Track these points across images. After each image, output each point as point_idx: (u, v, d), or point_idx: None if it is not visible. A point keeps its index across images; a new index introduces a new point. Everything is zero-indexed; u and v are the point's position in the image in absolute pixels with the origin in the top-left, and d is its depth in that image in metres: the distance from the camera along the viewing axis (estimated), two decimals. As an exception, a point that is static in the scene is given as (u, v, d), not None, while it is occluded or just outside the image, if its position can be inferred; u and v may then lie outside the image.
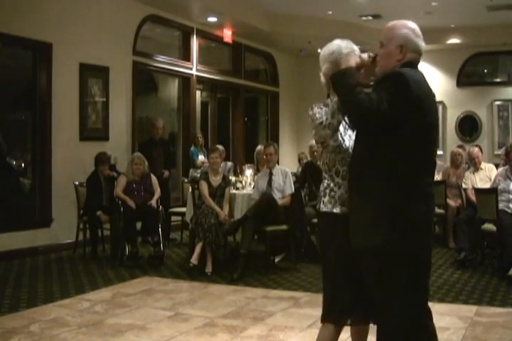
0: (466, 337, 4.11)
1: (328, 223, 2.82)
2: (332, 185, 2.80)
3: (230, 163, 8.24)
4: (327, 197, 2.80)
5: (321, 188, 2.86)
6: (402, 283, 2.51)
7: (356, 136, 2.68)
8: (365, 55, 2.68)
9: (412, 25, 2.64)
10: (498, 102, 12.41)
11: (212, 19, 9.95)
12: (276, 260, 6.74)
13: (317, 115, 2.78)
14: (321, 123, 2.72)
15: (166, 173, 8.43)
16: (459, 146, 9.87)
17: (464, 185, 7.38)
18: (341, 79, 2.52)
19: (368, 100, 2.38)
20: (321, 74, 2.88)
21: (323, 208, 2.81)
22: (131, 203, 6.70)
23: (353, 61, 2.64)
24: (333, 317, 2.78)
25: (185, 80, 10.29)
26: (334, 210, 2.77)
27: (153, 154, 8.18)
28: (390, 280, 2.51)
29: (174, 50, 10.31)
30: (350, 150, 2.72)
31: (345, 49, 2.80)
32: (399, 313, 2.53)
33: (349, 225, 2.62)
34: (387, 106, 2.37)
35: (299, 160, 10.20)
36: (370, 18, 11.17)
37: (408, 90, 2.43)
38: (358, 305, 2.76)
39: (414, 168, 2.50)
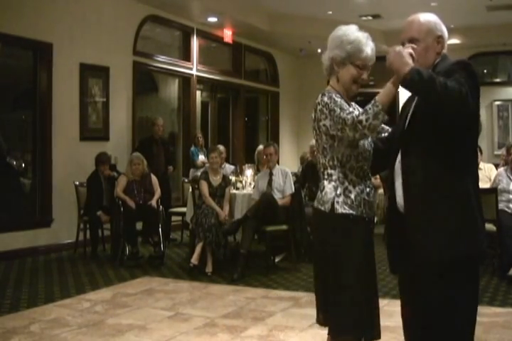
0: (466, 336, 4.11)
1: (346, 227, 2.53)
2: (346, 183, 2.55)
3: (232, 167, 8.25)
4: (342, 197, 2.52)
5: (329, 186, 2.56)
6: (469, 294, 2.34)
7: (415, 136, 2.39)
8: (410, 50, 2.38)
9: (435, 16, 2.63)
10: (497, 102, 12.40)
11: (212, 19, 9.95)
12: (277, 260, 6.74)
13: (342, 103, 2.51)
14: (351, 113, 2.44)
15: (170, 168, 8.46)
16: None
17: (464, 185, 7.37)
18: (421, 77, 2.22)
19: (459, 91, 2.17)
20: (327, 58, 2.66)
21: (340, 209, 2.51)
22: (131, 203, 6.70)
23: (408, 59, 2.34)
24: (358, 331, 2.57)
25: (185, 80, 10.29)
26: (355, 212, 2.53)
27: (154, 152, 8.19)
28: (460, 291, 2.30)
29: (174, 50, 10.32)
30: (366, 146, 2.60)
31: (365, 45, 2.63)
32: (462, 326, 2.33)
33: (401, 232, 2.40)
34: (472, 100, 2.21)
35: (302, 159, 10.15)
36: (370, 18, 11.17)
37: (478, 81, 2.32)
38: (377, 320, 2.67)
39: (476, 168, 2.52)
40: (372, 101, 2.41)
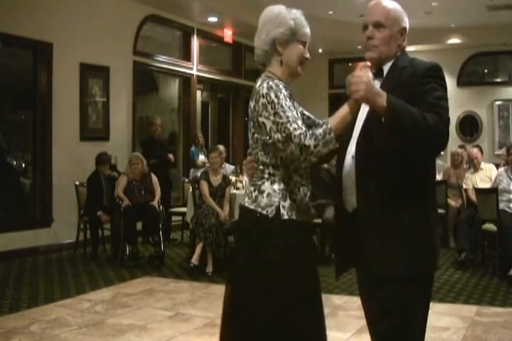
0: (466, 337, 4.11)
1: (290, 235, 2.25)
2: (292, 185, 2.29)
3: (232, 167, 8.24)
4: (288, 201, 2.26)
5: (272, 187, 2.28)
6: (426, 304, 2.27)
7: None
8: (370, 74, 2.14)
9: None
10: (498, 102, 12.40)
11: (212, 19, 9.95)
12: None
13: (289, 107, 2.22)
14: (299, 128, 2.17)
15: (171, 156, 8.38)
16: (460, 146, 9.86)
17: (464, 186, 7.38)
18: (401, 115, 2.03)
19: (442, 127, 2.06)
20: (265, 42, 2.35)
21: (286, 215, 2.24)
22: (127, 203, 6.69)
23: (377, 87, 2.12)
24: None
25: (185, 80, 10.29)
26: (301, 219, 2.28)
27: (156, 152, 8.18)
28: (417, 304, 2.21)
29: (174, 50, 10.31)
30: None
31: (304, 20, 2.37)
32: (419, 330, 2.24)
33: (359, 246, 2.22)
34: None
35: None
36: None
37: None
38: None
39: (434, 179, 2.38)
40: (325, 127, 2.14)
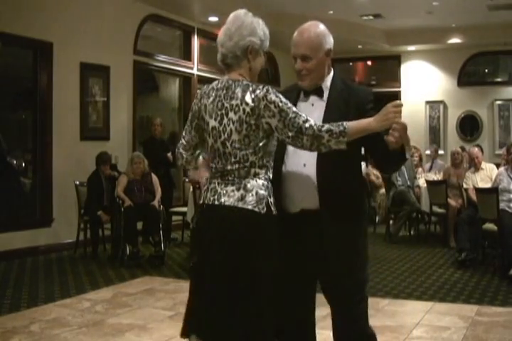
0: (466, 336, 4.11)
1: (274, 230, 2.36)
2: (270, 183, 2.40)
3: None
4: (272, 198, 2.35)
5: (258, 185, 2.34)
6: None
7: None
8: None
9: (323, 26, 2.54)
10: (498, 102, 12.40)
11: (213, 19, 9.94)
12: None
13: (291, 105, 2.36)
14: (307, 120, 2.31)
15: (169, 155, 8.36)
16: (461, 146, 9.87)
17: (464, 185, 7.37)
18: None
19: None
20: (237, 47, 2.42)
21: (274, 210, 2.35)
22: (128, 203, 6.69)
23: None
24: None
25: (186, 80, 10.29)
26: (275, 212, 2.38)
27: (156, 152, 8.17)
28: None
29: (175, 50, 10.31)
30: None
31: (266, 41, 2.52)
32: None
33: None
34: None
35: None
36: (371, 17, 11.17)
37: None
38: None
39: None
40: (342, 128, 2.27)
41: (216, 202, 2.36)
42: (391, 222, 8.63)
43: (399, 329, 4.20)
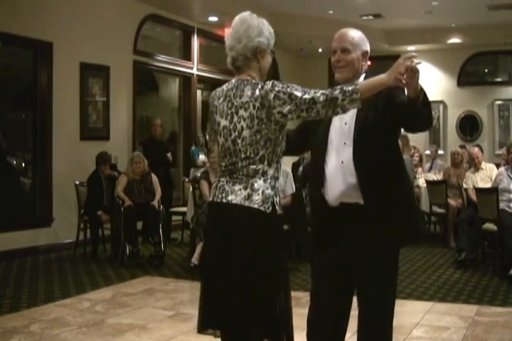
0: (466, 336, 4.11)
1: (281, 229, 2.53)
2: (276, 181, 2.46)
3: None
4: (278, 197, 2.44)
5: (265, 184, 2.40)
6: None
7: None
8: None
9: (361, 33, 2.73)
10: (498, 102, 12.40)
11: (213, 18, 9.94)
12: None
13: (297, 86, 2.43)
14: (317, 91, 2.38)
15: (169, 156, 8.39)
16: (461, 147, 9.87)
17: (464, 185, 7.38)
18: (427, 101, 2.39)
19: None
20: (247, 48, 2.47)
21: (279, 210, 2.43)
22: (128, 203, 6.69)
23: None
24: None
25: (185, 79, 10.29)
26: (281, 213, 2.47)
27: (156, 152, 8.18)
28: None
29: (175, 50, 10.31)
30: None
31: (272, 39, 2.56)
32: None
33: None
34: None
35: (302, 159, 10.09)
36: (371, 17, 11.17)
37: None
38: None
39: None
40: (353, 86, 2.31)
41: (224, 200, 2.43)
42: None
43: (398, 330, 4.20)
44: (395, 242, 2.62)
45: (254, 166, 2.39)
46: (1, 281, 5.77)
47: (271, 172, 2.41)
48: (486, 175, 7.27)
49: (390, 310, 2.63)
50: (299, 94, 2.34)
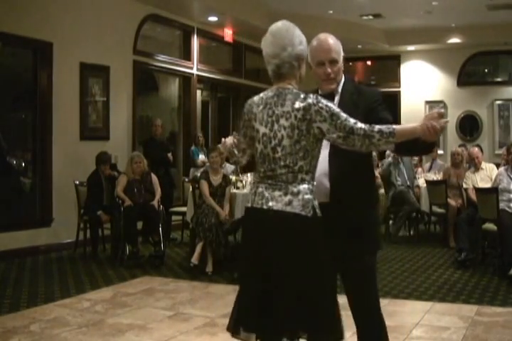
0: (466, 336, 4.11)
1: (321, 231, 2.51)
2: (313, 186, 2.52)
3: (232, 166, 8.24)
4: (316, 201, 2.48)
5: (304, 190, 2.45)
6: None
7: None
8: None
9: None
10: (498, 102, 12.41)
11: (212, 18, 9.94)
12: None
13: (340, 110, 2.47)
14: (356, 122, 2.45)
15: (169, 156, 8.41)
16: (461, 145, 9.86)
17: (464, 185, 7.37)
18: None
19: None
20: (292, 56, 2.51)
21: (319, 213, 2.48)
22: (128, 203, 6.69)
23: None
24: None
25: (185, 79, 10.29)
26: (319, 214, 2.52)
27: (156, 152, 8.18)
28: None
29: (175, 50, 10.31)
30: None
31: None
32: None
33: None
34: None
35: None
36: (370, 17, 11.18)
37: None
38: None
39: None
40: (391, 130, 2.39)
41: (264, 207, 2.46)
42: (391, 222, 8.64)
43: (398, 329, 4.20)
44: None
45: (293, 174, 2.45)
46: (1, 281, 5.77)
47: (308, 178, 2.46)
48: (486, 175, 7.26)
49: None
50: (341, 116, 2.41)
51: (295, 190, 2.43)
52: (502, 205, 6.12)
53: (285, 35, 2.51)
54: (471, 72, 12.83)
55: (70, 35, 7.68)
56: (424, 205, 8.20)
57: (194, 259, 6.17)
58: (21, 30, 7.03)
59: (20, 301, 5.02)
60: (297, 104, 2.44)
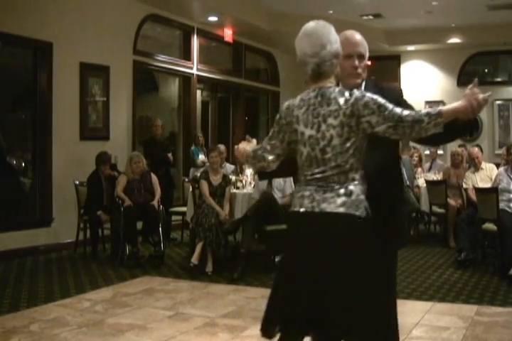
0: (466, 336, 4.11)
1: (371, 232, 2.45)
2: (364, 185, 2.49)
3: (232, 166, 8.26)
4: (367, 201, 2.44)
5: (356, 190, 2.42)
6: None
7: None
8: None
9: None
10: (498, 102, 12.40)
11: (212, 18, 9.94)
12: (277, 259, 6.73)
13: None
14: (403, 110, 2.44)
15: (170, 156, 8.42)
16: (461, 145, 9.86)
17: (464, 185, 7.38)
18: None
19: None
20: (330, 54, 2.47)
21: (370, 214, 2.44)
22: (128, 203, 6.69)
23: None
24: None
25: (185, 79, 10.28)
26: (370, 215, 2.49)
27: (157, 153, 8.19)
28: None
29: (175, 50, 10.31)
30: None
31: None
32: None
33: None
34: None
35: None
36: (370, 17, 11.17)
37: None
38: None
39: None
40: (438, 110, 2.36)
41: (316, 209, 2.40)
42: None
43: (400, 329, 4.20)
44: None
45: (345, 174, 2.41)
46: (1, 281, 5.77)
47: (358, 177, 2.42)
48: (486, 175, 7.26)
49: None
50: (388, 107, 2.38)
51: (347, 190, 2.40)
52: (502, 205, 6.12)
53: (322, 33, 2.49)
54: (471, 72, 12.81)
55: (70, 35, 7.68)
56: (424, 205, 8.20)
57: (194, 259, 6.17)
58: (21, 30, 7.03)
59: (20, 301, 5.02)
60: (344, 101, 2.40)
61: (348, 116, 2.38)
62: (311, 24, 2.53)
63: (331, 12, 10.67)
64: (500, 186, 6.27)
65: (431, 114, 2.35)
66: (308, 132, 2.45)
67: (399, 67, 13.24)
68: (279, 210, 6.34)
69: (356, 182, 2.41)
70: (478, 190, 6.55)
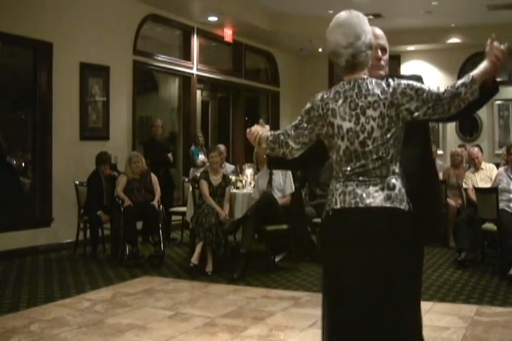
0: (466, 336, 4.11)
1: (411, 227, 2.39)
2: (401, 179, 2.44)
3: (232, 166, 8.26)
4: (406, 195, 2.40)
5: (397, 183, 2.36)
6: None
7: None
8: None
9: None
10: (498, 102, 12.38)
11: (212, 18, 9.94)
12: (277, 259, 6.74)
13: None
14: (438, 87, 2.48)
15: (170, 156, 8.44)
16: (461, 146, 9.85)
17: (464, 185, 7.37)
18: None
19: None
20: (365, 44, 2.40)
21: (411, 208, 2.38)
22: (128, 203, 6.69)
23: None
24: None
25: (185, 79, 10.29)
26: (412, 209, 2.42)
27: (157, 153, 8.19)
28: None
29: (175, 50, 10.31)
30: None
31: None
32: None
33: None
34: None
35: None
36: (370, 17, 11.14)
37: None
38: None
39: None
40: (471, 77, 2.35)
41: (360, 205, 2.32)
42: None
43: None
44: None
45: (386, 166, 2.35)
46: (1, 281, 5.77)
47: (397, 170, 2.37)
48: (485, 175, 7.27)
49: None
50: (425, 88, 2.36)
51: (390, 184, 2.33)
52: (502, 205, 6.12)
53: (355, 23, 2.40)
54: (471, 72, 12.81)
55: (70, 35, 7.68)
56: (424, 205, 8.17)
57: (194, 259, 6.17)
58: (21, 30, 7.03)
59: (20, 301, 5.02)
60: (382, 92, 2.34)
61: (388, 106, 2.33)
62: (342, 14, 2.44)
63: (331, 12, 10.66)
64: (500, 186, 6.27)
65: (466, 83, 2.34)
66: (346, 125, 2.36)
67: (399, 67, 13.22)
68: (279, 210, 6.35)
69: (397, 176, 2.36)
70: (478, 190, 6.55)
